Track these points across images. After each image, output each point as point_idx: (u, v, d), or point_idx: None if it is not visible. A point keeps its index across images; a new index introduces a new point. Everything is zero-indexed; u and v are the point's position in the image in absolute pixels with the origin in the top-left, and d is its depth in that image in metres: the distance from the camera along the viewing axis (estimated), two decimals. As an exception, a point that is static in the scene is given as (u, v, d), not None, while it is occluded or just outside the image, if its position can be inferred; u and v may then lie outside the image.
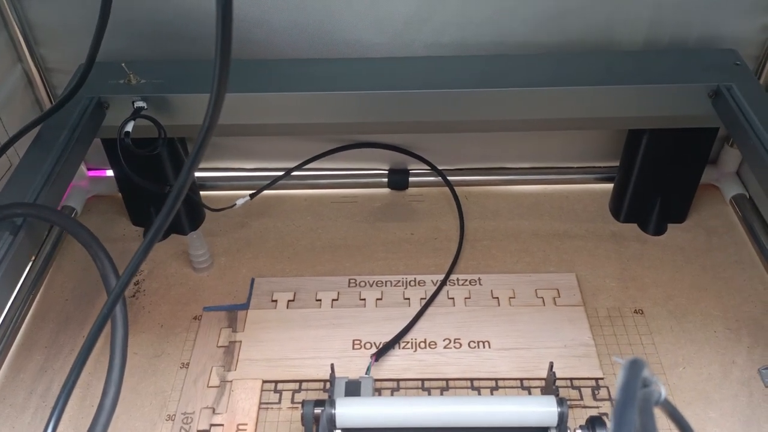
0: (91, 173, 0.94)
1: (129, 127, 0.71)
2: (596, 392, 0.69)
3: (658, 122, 0.76)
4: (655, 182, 0.84)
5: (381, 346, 0.73)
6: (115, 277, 0.56)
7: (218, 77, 0.34)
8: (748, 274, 0.81)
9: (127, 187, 0.86)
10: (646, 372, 0.25)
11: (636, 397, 0.22)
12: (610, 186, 0.91)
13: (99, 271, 0.59)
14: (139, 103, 0.73)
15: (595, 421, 0.58)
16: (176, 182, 0.39)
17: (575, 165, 0.94)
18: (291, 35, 0.80)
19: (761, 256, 0.82)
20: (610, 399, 0.68)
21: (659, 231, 0.87)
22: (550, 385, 0.63)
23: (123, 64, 0.74)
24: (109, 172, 0.91)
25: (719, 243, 0.85)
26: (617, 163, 0.89)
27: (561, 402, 0.58)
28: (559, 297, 0.79)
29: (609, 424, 0.22)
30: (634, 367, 0.23)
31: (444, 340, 0.74)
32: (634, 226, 0.88)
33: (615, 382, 0.69)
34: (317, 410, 0.58)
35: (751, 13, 0.78)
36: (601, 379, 0.70)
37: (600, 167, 0.94)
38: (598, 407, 0.68)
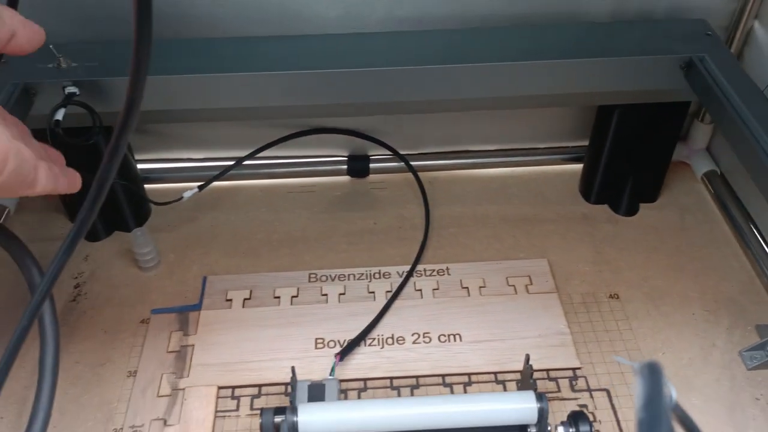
0: (24, 168, 0.87)
1: (59, 115, 0.64)
2: (574, 383, 0.65)
3: (630, 97, 0.73)
4: (626, 161, 0.81)
5: (345, 344, 0.68)
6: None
7: (137, 37, 0.28)
8: (723, 252, 0.78)
9: (64, 183, 0.79)
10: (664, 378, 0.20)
11: (664, 414, 0.18)
12: (579, 166, 0.87)
13: (25, 277, 0.53)
14: (71, 89, 0.66)
15: (577, 417, 0.54)
16: (96, 177, 0.33)
17: (543, 146, 0.91)
18: (237, 11, 0.74)
19: (735, 232, 0.80)
20: (588, 390, 0.65)
21: (631, 211, 0.84)
22: (527, 379, 0.60)
23: (51, 46, 0.67)
24: (44, 167, 0.84)
25: (692, 221, 0.83)
26: (586, 143, 0.85)
27: (540, 397, 0.55)
28: (532, 284, 0.75)
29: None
30: (654, 374, 0.19)
31: (413, 335, 0.70)
32: (606, 207, 0.85)
33: (596, 371, 0.66)
34: (278, 419, 0.53)
35: (719, -18, 0.75)
36: (579, 369, 0.67)
37: (569, 147, 0.91)
38: (576, 399, 0.64)
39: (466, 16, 0.75)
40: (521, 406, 0.54)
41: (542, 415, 0.54)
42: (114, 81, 0.66)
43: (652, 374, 0.19)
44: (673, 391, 0.25)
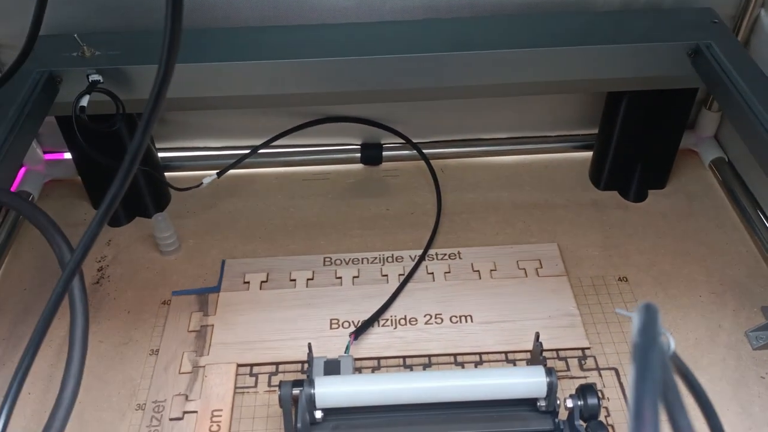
0: (48, 156, 0.90)
1: (84, 102, 0.67)
2: (583, 362, 0.67)
3: (638, 84, 0.74)
4: (635, 148, 0.82)
5: (360, 324, 0.70)
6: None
7: (170, 22, 0.30)
8: (730, 237, 0.80)
9: (87, 170, 0.82)
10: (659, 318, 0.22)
11: (657, 341, 0.19)
12: (589, 154, 0.89)
13: (56, 255, 0.55)
14: (94, 77, 0.68)
15: (585, 390, 0.56)
16: (130, 146, 0.35)
17: (553, 134, 0.92)
18: (251, 2, 0.76)
19: (742, 218, 0.81)
20: (597, 368, 0.67)
21: (640, 197, 0.85)
22: (536, 356, 0.61)
23: (76, 36, 0.70)
24: (67, 155, 0.87)
25: (700, 207, 0.84)
26: (596, 131, 0.87)
27: (549, 372, 0.56)
28: (542, 268, 0.76)
29: (630, 372, 0.19)
30: (649, 310, 0.21)
31: (425, 316, 0.72)
32: (615, 193, 0.86)
33: (604, 350, 0.68)
34: (296, 391, 0.55)
35: (726, -29, 0.77)
36: (588, 348, 0.68)
37: (579, 135, 0.92)
38: (585, 377, 0.66)
39: (477, 5, 0.77)
40: (531, 380, 0.56)
41: (551, 388, 0.56)
42: (136, 69, 0.69)
43: (648, 311, 0.20)
44: (672, 341, 0.27)
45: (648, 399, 0.17)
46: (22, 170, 0.89)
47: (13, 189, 0.83)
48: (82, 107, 0.67)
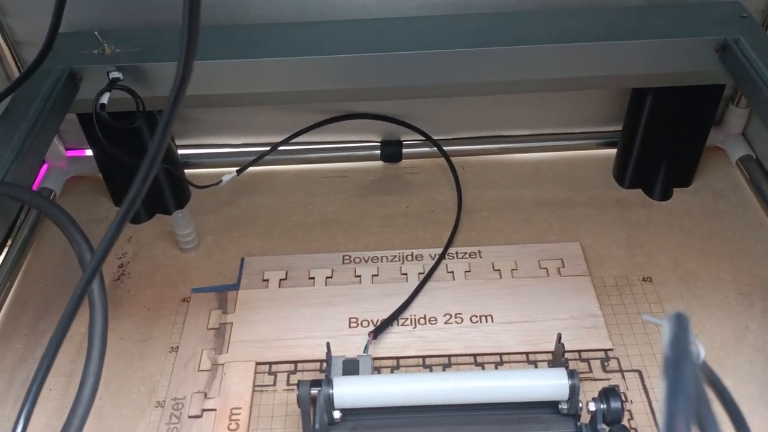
0: (70, 153, 0.90)
1: (104, 99, 0.67)
2: (606, 364, 0.66)
3: (664, 80, 0.73)
4: (660, 145, 0.81)
5: (379, 323, 0.70)
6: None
7: (188, 16, 0.30)
8: (758, 236, 0.78)
9: (108, 166, 0.82)
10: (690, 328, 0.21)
11: (689, 353, 0.19)
12: (613, 151, 0.87)
13: (75, 252, 0.56)
14: (115, 74, 0.68)
15: (608, 393, 0.55)
16: (150, 145, 0.35)
17: (576, 131, 0.91)
18: (273, -1, 0.76)
19: (771, 217, 0.80)
20: (620, 371, 0.65)
21: (665, 196, 0.83)
22: (558, 358, 0.60)
23: (96, 33, 0.70)
24: (89, 152, 0.87)
25: (727, 206, 0.82)
26: (620, 128, 0.85)
27: (572, 374, 0.55)
28: (564, 267, 0.75)
29: (662, 387, 0.19)
30: (681, 320, 0.20)
31: (445, 316, 0.71)
32: (639, 191, 0.84)
33: (628, 352, 0.67)
34: (314, 391, 0.55)
35: (756, -35, 0.75)
36: (611, 350, 0.67)
37: (602, 132, 0.90)
38: (608, 379, 0.65)
39: (498, 1, 0.76)
40: (553, 383, 0.55)
41: (573, 391, 0.55)
42: (157, 66, 0.69)
43: (679, 321, 0.20)
44: (701, 349, 0.26)
45: (681, 415, 0.16)
46: (44, 167, 0.89)
47: (35, 186, 0.84)
48: (103, 104, 0.67)
